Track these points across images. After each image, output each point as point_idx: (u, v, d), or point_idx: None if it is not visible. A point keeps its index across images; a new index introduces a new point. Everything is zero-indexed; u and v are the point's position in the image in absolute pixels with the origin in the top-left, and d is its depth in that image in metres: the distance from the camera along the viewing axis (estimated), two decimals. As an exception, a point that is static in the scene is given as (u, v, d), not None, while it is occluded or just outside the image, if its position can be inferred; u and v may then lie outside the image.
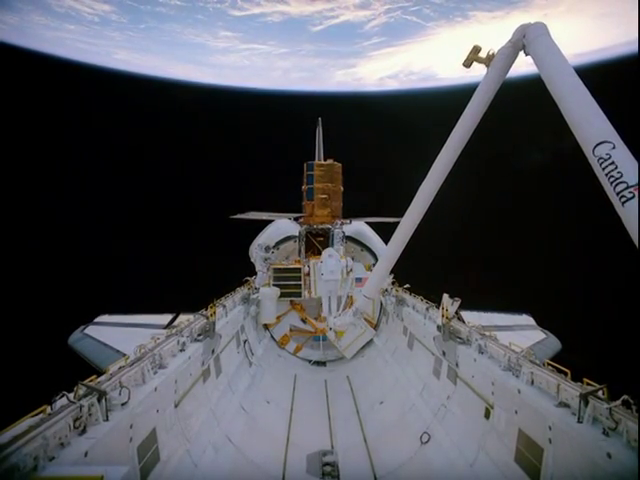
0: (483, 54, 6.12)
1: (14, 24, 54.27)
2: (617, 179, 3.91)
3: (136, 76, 62.74)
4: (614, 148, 4.07)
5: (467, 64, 6.25)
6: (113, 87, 55.19)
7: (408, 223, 7.71)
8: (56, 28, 58.32)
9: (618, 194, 3.90)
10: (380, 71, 77.82)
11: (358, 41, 72.66)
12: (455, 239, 40.82)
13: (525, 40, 5.37)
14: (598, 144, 4.16)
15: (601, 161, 4.09)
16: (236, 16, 66.09)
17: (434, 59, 70.76)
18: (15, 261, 33.37)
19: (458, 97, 6.99)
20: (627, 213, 3.82)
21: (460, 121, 6.45)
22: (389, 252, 8.43)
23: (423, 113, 49.85)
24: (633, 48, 46.37)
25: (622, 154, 4.04)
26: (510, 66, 5.88)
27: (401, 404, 10.74)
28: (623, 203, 3.85)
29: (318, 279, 13.05)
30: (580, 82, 4.67)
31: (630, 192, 3.80)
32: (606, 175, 4.03)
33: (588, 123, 4.38)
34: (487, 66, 6.07)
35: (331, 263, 12.57)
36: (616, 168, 3.95)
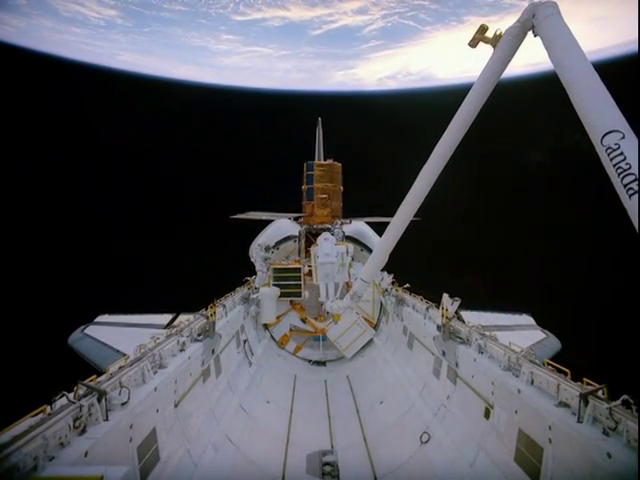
0: (490, 34, 5.82)
1: (22, 27, 55.20)
2: (625, 170, 3.70)
3: (139, 76, 63.06)
4: (623, 138, 3.85)
5: (473, 44, 5.94)
6: (116, 87, 55.33)
7: (410, 204, 7.45)
8: (62, 31, 59.34)
9: (625, 186, 3.68)
10: (379, 72, 78.58)
11: (356, 44, 74.05)
12: (455, 239, 40.83)
13: (535, 20, 5.04)
14: (607, 133, 3.93)
15: (609, 151, 3.87)
16: (238, 20, 67.40)
17: (431, 60, 71.58)
18: (15, 261, 33.37)
19: (456, 96, 6.92)
20: (634, 206, 3.60)
21: (464, 104, 6.23)
22: (388, 234, 8.29)
23: (422, 112, 49.88)
24: (627, 49, 46.52)
25: (632, 145, 3.82)
26: (517, 47, 5.59)
27: (401, 404, 10.73)
28: (630, 196, 3.63)
29: (318, 265, 13.04)
30: (591, 67, 4.42)
31: (638, 184, 3.61)
32: (614, 166, 3.81)
33: (598, 110, 4.14)
34: (493, 47, 5.79)
35: (327, 246, 12.56)
36: (624, 159, 3.73)
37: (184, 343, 8.54)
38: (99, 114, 47.98)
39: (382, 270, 15.18)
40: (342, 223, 19.03)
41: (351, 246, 13.70)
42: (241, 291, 15.23)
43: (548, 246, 38.01)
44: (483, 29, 5.88)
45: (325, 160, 21.67)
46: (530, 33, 5.31)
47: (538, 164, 45.30)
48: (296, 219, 20.98)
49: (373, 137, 52.23)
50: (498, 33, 5.74)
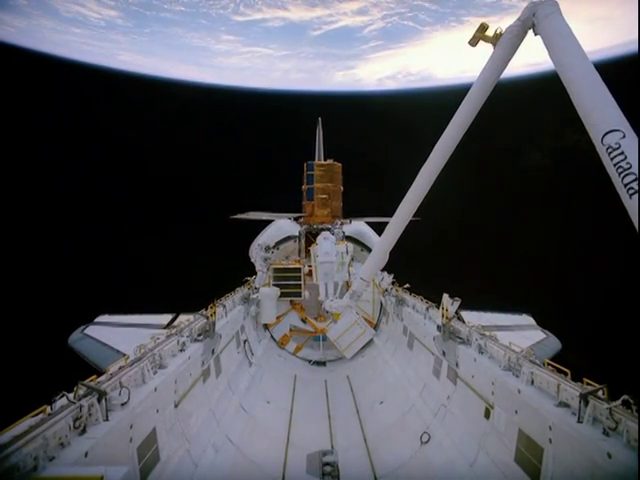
0: (490, 33, 5.83)
1: (22, 27, 55.59)
2: (625, 170, 3.68)
3: (139, 76, 63.15)
4: (624, 137, 3.83)
5: (473, 42, 5.94)
6: (116, 87, 55.35)
7: (409, 203, 7.42)
8: (63, 31, 59.75)
9: (626, 186, 3.66)
10: (379, 72, 78.83)
11: (357, 44, 74.52)
12: (455, 239, 40.82)
13: (535, 18, 5.03)
14: (608, 132, 3.92)
15: (610, 150, 3.86)
16: (238, 21, 67.71)
17: (431, 61, 71.91)
18: (15, 261, 33.37)
19: (456, 96, 6.92)
20: (634, 206, 3.58)
21: (463, 104, 6.20)
22: (388, 233, 8.27)
23: (422, 112, 49.87)
24: (627, 49, 46.56)
25: (632, 144, 3.80)
26: (518, 46, 5.59)
27: (401, 404, 10.73)
28: (631, 195, 3.61)
29: (318, 264, 13.06)
30: (592, 66, 4.40)
31: (638, 184, 3.59)
32: (614, 165, 3.79)
33: (598, 110, 4.11)
34: (494, 45, 5.78)
35: (326, 245, 12.63)
36: (625, 159, 3.71)
37: (184, 343, 8.54)
38: (99, 114, 47.97)
39: (382, 270, 15.21)
40: (342, 223, 19.06)
41: (351, 245, 13.71)
42: (241, 291, 15.23)
43: (548, 246, 38.00)
44: (483, 28, 5.86)
45: (325, 160, 21.68)
46: (530, 32, 5.30)
47: (538, 164, 45.29)
48: (296, 219, 20.98)
49: (373, 137, 52.22)
50: (498, 32, 5.74)
